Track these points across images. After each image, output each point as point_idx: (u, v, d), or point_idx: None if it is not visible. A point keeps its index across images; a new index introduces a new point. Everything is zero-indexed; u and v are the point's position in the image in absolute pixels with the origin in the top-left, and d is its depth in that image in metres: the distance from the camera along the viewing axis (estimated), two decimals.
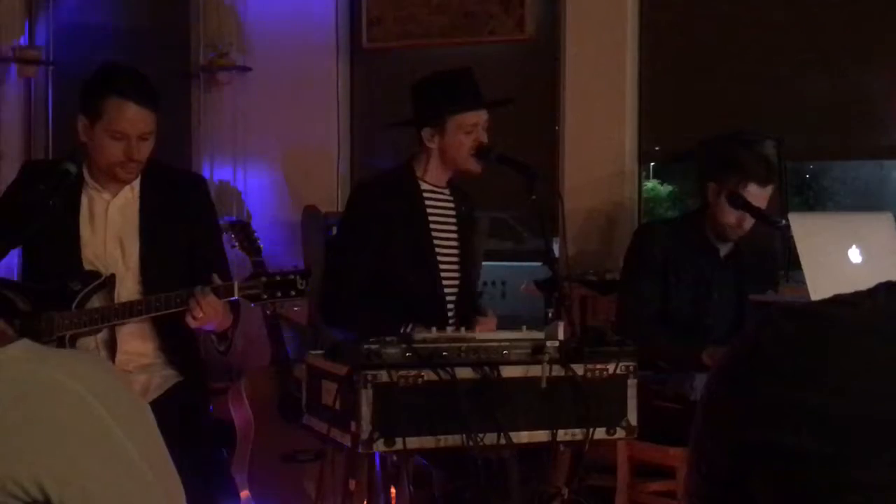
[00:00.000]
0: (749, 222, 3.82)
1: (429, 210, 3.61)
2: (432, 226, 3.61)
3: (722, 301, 3.93)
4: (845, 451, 0.73)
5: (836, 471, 0.73)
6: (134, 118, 3.17)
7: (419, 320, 3.01)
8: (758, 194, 3.77)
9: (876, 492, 0.73)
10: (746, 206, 3.78)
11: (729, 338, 3.58)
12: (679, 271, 3.91)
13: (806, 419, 0.74)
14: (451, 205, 3.68)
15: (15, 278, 3.60)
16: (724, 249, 3.96)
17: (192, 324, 3.10)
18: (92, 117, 3.19)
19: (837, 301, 0.79)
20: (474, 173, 3.60)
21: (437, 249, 3.60)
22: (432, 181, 3.63)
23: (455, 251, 3.66)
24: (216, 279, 3.12)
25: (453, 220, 3.67)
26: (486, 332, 3.12)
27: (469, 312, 3.62)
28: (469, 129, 3.54)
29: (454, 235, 3.66)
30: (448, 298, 3.62)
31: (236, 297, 3.15)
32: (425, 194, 3.62)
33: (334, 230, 4.03)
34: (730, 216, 3.81)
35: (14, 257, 3.53)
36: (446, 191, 3.67)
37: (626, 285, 4.06)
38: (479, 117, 3.56)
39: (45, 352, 1.22)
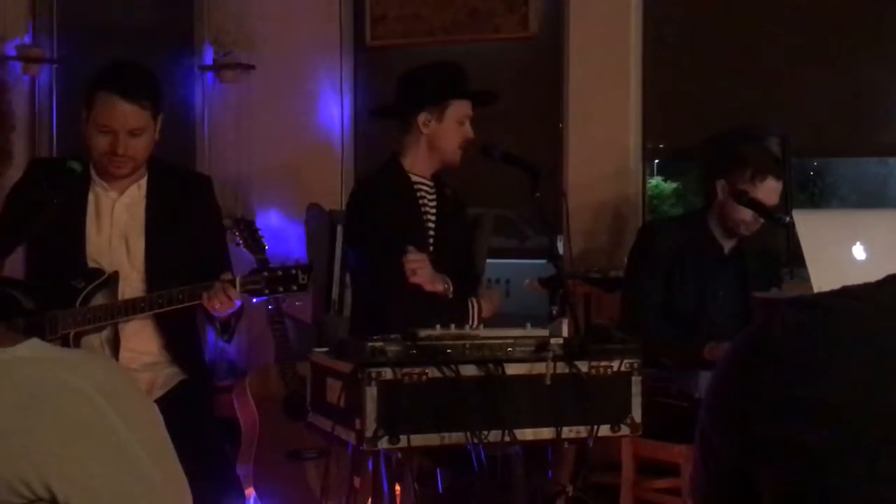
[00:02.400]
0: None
1: (420, 202, 3.62)
2: (423, 217, 3.62)
3: (727, 297, 3.94)
4: (861, 444, 0.71)
5: (852, 464, 0.72)
6: (121, 113, 3.18)
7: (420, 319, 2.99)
8: (774, 188, 3.81)
9: (890, 485, 0.71)
10: (752, 204, 3.79)
11: (734, 334, 3.58)
12: (684, 269, 3.91)
13: (817, 413, 0.73)
14: (435, 197, 3.68)
15: (19, 277, 3.60)
16: (727, 246, 3.97)
17: (212, 310, 3.14)
18: (87, 111, 3.23)
19: (846, 293, 0.77)
20: (455, 166, 3.61)
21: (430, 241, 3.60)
22: (419, 173, 3.64)
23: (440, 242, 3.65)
24: (228, 276, 3.15)
25: (436, 211, 3.67)
26: (492, 304, 3.55)
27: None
28: (463, 119, 3.58)
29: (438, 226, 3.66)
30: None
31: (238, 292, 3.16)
32: (416, 186, 3.62)
33: (339, 229, 4.02)
34: (745, 212, 3.82)
35: (19, 255, 3.53)
36: (431, 183, 3.67)
37: (630, 283, 4.07)
38: (470, 111, 3.60)
39: (53, 351, 1.22)
